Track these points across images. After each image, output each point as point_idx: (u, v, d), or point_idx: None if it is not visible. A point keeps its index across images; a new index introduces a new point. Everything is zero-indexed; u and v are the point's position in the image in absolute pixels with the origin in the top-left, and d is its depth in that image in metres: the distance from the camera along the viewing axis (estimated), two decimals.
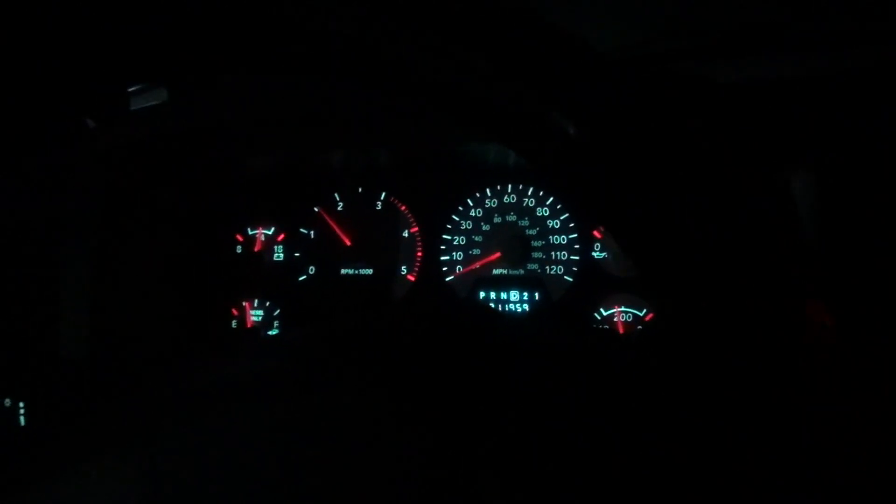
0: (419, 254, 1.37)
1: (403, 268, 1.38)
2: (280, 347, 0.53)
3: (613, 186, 0.36)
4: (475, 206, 1.36)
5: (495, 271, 1.34)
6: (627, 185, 0.36)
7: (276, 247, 1.44)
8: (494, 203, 1.35)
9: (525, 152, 0.37)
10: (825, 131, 0.89)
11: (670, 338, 0.43)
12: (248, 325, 1.41)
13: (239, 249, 1.44)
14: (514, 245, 1.32)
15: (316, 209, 1.42)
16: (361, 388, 0.43)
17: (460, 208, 1.36)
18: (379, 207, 1.40)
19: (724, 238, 0.36)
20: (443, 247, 1.37)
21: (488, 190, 1.35)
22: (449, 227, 1.37)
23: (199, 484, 0.38)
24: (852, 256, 0.81)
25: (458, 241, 1.36)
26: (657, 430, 0.41)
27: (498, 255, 1.33)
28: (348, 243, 1.40)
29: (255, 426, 0.42)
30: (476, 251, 1.35)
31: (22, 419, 1.09)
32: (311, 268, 1.42)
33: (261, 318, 1.41)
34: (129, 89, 0.93)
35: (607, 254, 1.28)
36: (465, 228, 1.36)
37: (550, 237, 1.32)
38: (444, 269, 1.36)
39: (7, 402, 1.10)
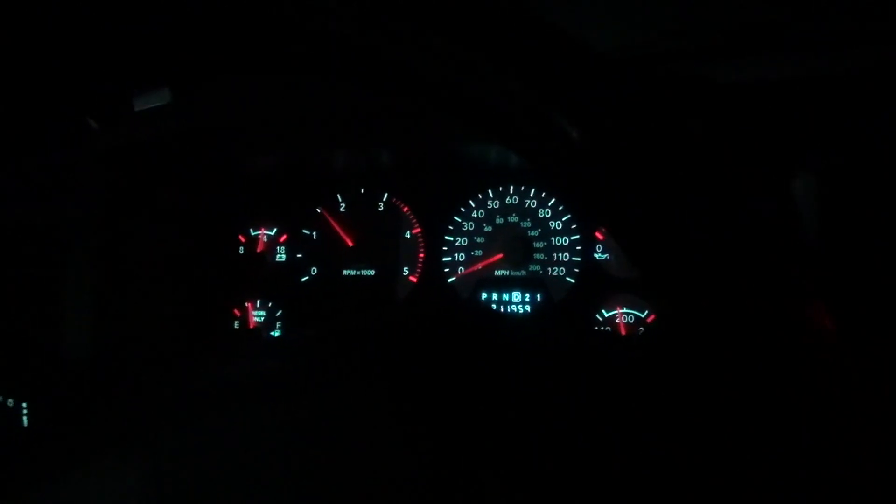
0: (421, 255, 1.38)
1: (405, 269, 1.38)
2: (282, 348, 0.53)
3: (613, 187, 0.36)
4: (477, 208, 1.36)
5: (497, 272, 1.34)
6: (627, 186, 0.36)
7: (278, 247, 1.44)
8: (496, 204, 1.35)
9: (525, 153, 0.37)
10: (826, 132, 0.89)
11: (670, 339, 0.43)
12: (251, 326, 1.42)
13: (241, 250, 1.44)
14: (516, 246, 1.32)
15: (318, 210, 1.42)
16: (363, 390, 0.44)
17: (462, 209, 1.37)
18: (381, 208, 1.40)
19: (724, 239, 0.36)
20: (445, 248, 1.37)
21: (490, 191, 1.36)
22: (451, 228, 1.37)
23: (200, 485, 0.38)
24: (853, 257, 0.81)
25: (460, 243, 1.36)
26: (657, 430, 0.41)
27: (500, 256, 1.33)
28: (350, 244, 1.40)
29: (256, 427, 0.42)
30: (478, 252, 1.35)
31: (25, 420, 1.09)
32: (314, 269, 1.42)
33: (263, 318, 1.41)
34: (132, 90, 0.94)
35: (609, 255, 1.29)
36: (467, 230, 1.36)
37: (552, 238, 1.32)
38: (446, 270, 1.36)
39: (10, 402, 1.10)
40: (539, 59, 0.35)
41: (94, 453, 0.40)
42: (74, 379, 1.14)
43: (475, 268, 1.35)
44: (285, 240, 1.44)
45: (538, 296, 1.31)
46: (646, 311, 1.24)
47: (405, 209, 1.39)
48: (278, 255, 1.44)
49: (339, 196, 1.42)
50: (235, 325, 1.42)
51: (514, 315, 1.31)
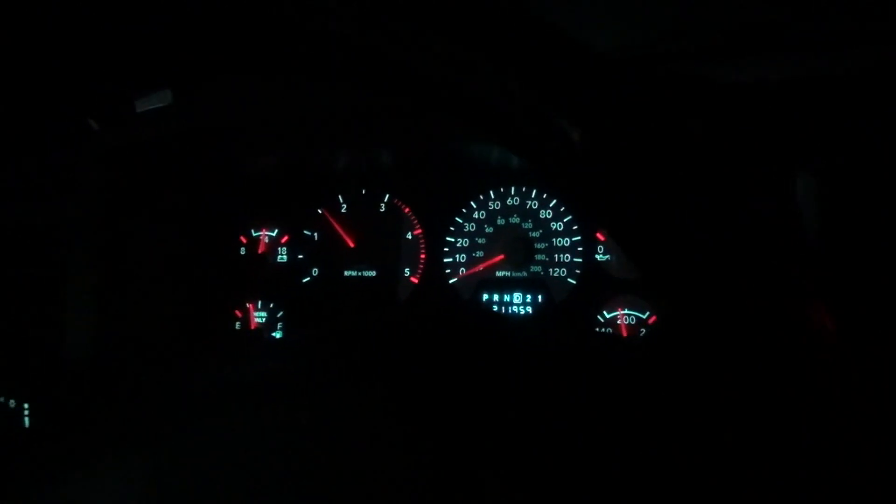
0: (422, 256, 1.38)
1: (407, 270, 1.38)
2: (284, 350, 0.53)
3: (614, 188, 0.36)
4: (478, 209, 1.36)
5: (498, 273, 1.34)
6: (627, 187, 0.36)
7: (279, 248, 1.44)
8: (498, 205, 1.35)
9: (525, 154, 0.37)
10: (826, 133, 0.89)
11: (671, 339, 0.43)
12: (252, 327, 1.42)
13: (242, 251, 1.44)
14: (518, 247, 1.32)
15: (319, 211, 1.42)
16: (363, 391, 0.44)
17: (464, 210, 1.37)
18: (382, 209, 1.40)
19: (724, 239, 0.36)
20: (446, 249, 1.37)
21: (491, 192, 1.36)
22: (452, 229, 1.37)
23: (201, 485, 0.38)
24: (854, 258, 0.81)
25: (461, 244, 1.36)
26: (658, 431, 0.41)
27: (501, 257, 1.33)
28: (352, 245, 1.40)
29: (257, 428, 0.42)
30: (479, 253, 1.35)
31: (26, 420, 1.09)
32: (315, 269, 1.42)
33: (264, 319, 1.41)
34: (134, 92, 0.94)
35: (610, 256, 1.28)
36: (469, 230, 1.36)
37: (554, 239, 1.32)
38: (448, 271, 1.36)
39: (11, 403, 1.10)
40: (539, 59, 0.35)
41: (96, 454, 0.40)
42: (76, 379, 1.14)
43: (476, 269, 1.35)
44: (286, 241, 1.44)
45: (539, 297, 1.31)
46: (647, 312, 1.24)
47: (406, 210, 1.39)
48: (279, 256, 1.44)
49: (340, 197, 1.42)
50: (237, 325, 1.42)
51: (516, 316, 1.31)
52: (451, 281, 1.36)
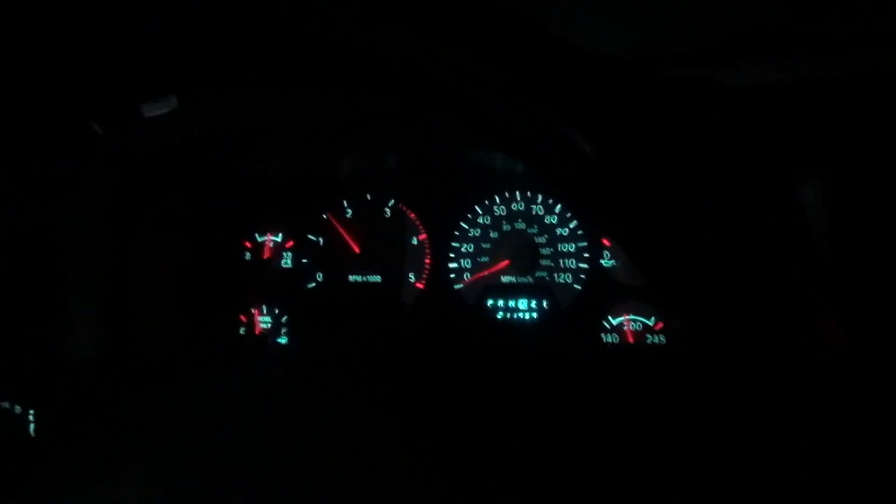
0: (428, 261, 1.37)
1: (412, 275, 1.38)
2: (292, 357, 0.53)
3: (626, 199, 0.36)
4: (484, 214, 1.36)
5: (504, 279, 1.34)
6: (640, 197, 0.36)
7: (284, 253, 1.44)
8: (503, 210, 1.35)
9: (538, 166, 0.37)
10: (835, 136, 0.88)
11: (680, 349, 0.43)
12: (257, 332, 1.41)
13: (247, 256, 1.44)
14: (523, 253, 1.31)
15: (324, 216, 1.42)
16: (369, 398, 0.43)
17: (469, 215, 1.36)
18: (387, 214, 1.40)
19: (733, 246, 0.36)
20: (451, 254, 1.36)
21: (497, 197, 1.35)
22: (458, 234, 1.36)
23: (205, 491, 0.38)
24: (864, 267, 0.80)
25: (466, 249, 1.36)
26: (665, 439, 0.41)
27: (507, 262, 1.33)
28: (357, 250, 1.40)
29: (263, 435, 0.42)
30: (485, 259, 1.35)
31: (32, 426, 1.09)
32: (320, 274, 1.42)
33: (269, 324, 1.41)
34: (140, 97, 0.94)
35: (616, 262, 1.28)
36: (474, 236, 1.36)
37: (559, 245, 1.31)
38: (453, 276, 1.36)
39: (17, 408, 1.10)
40: (552, 74, 0.35)
41: (100, 461, 0.40)
42: (80, 384, 1.13)
43: (482, 274, 1.34)
44: (291, 245, 1.43)
45: (545, 302, 1.30)
46: (653, 319, 1.24)
47: (411, 215, 1.39)
48: (284, 261, 1.43)
49: (345, 202, 1.41)
50: (241, 330, 1.42)
51: (521, 322, 1.31)
52: (456, 286, 1.36)
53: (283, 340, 1.40)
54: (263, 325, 1.41)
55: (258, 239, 1.44)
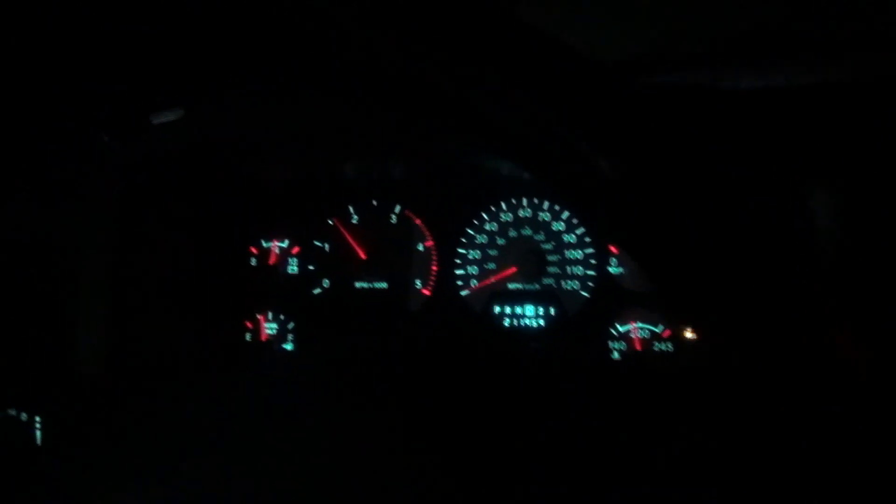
0: (434, 268, 1.37)
1: (418, 282, 1.38)
2: (300, 366, 0.53)
3: (641, 211, 0.35)
4: (490, 220, 1.35)
5: (511, 286, 1.33)
6: (654, 210, 0.36)
7: (290, 259, 1.43)
8: (510, 217, 1.34)
9: (553, 180, 0.37)
10: (844, 142, 0.88)
11: (688, 358, 0.42)
12: (262, 339, 1.41)
13: (253, 262, 1.44)
14: (530, 259, 1.31)
15: (330, 222, 1.41)
16: (377, 406, 0.43)
17: (475, 222, 1.36)
18: (394, 220, 1.40)
19: (741, 255, 0.36)
20: (458, 261, 1.36)
21: (503, 203, 1.35)
22: (464, 240, 1.36)
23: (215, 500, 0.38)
24: (875, 275, 0.80)
25: (473, 256, 1.36)
26: (672, 444, 0.41)
27: (513, 269, 1.32)
28: (363, 256, 1.39)
29: (270, 445, 0.41)
30: (491, 265, 1.35)
31: (38, 434, 1.09)
32: (326, 281, 1.41)
33: (275, 331, 1.41)
34: (148, 107, 0.94)
35: (624, 269, 1.28)
36: (481, 242, 1.35)
37: (566, 252, 1.31)
38: (459, 283, 1.36)
39: (23, 415, 1.10)
40: (567, 90, 0.35)
41: (106, 469, 0.39)
42: (87, 390, 1.13)
43: (488, 281, 1.34)
44: (297, 252, 1.43)
45: (552, 310, 1.30)
46: (661, 326, 1.23)
47: (418, 221, 1.39)
48: (290, 267, 1.43)
49: (351, 208, 1.41)
50: (247, 337, 1.42)
51: (528, 329, 1.30)
52: (462, 293, 1.35)
53: (288, 347, 1.40)
54: (269, 332, 1.41)
55: (264, 245, 1.44)
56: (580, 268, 1.30)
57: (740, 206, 0.37)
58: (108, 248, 1.17)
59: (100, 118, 1.01)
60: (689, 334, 1.19)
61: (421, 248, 1.38)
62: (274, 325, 1.41)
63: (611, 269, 1.28)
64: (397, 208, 1.40)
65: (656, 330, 1.23)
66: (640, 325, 1.24)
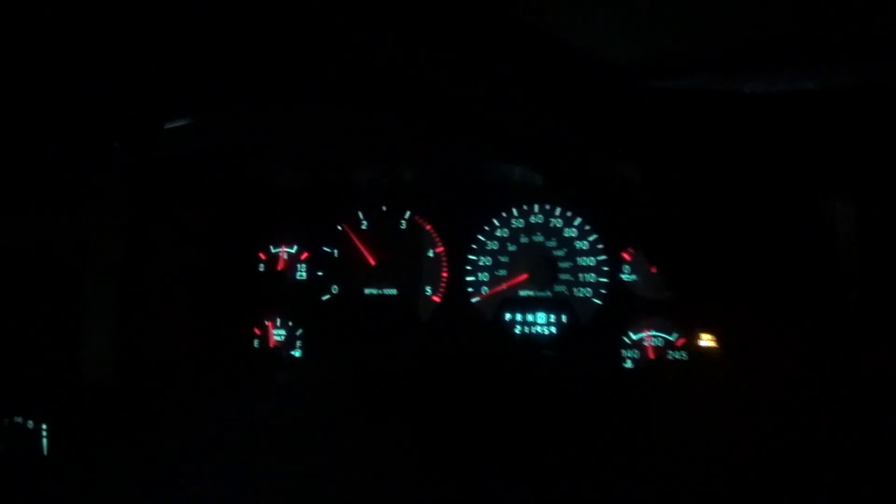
0: (444, 274, 1.36)
1: (428, 288, 1.36)
2: (309, 373, 0.52)
3: (669, 219, 0.34)
4: (501, 226, 1.34)
5: (522, 293, 1.32)
6: (681, 217, 0.35)
7: (299, 265, 1.42)
8: (521, 223, 1.33)
9: (582, 189, 0.35)
10: (865, 150, 0.86)
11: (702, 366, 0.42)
12: (271, 345, 1.40)
13: (262, 268, 1.43)
14: (542, 266, 1.29)
15: (340, 227, 1.40)
16: (387, 416, 0.43)
17: (486, 228, 1.35)
18: (403, 226, 1.39)
19: (762, 263, 0.35)
20: (468, 267, 1.35)
21: (514, 209, 1.34)
22: (474, 247, 1.35)
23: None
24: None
25: (484, 262, 1.34)
26: (685, 453, 0.40)
27: (525, 276, 1.31)
28: (372, 262, 1.38)
29: (279, 456, 0.41)
30: (502, 272, 1.33)
31: (45, 441, 1.09)
32: (335, 287, 1.40)
33: (283, 337, 1.40)
34: (160, 114, 0.94)
35: (637, 276, 1.26)
36: (492, 249, 1.34)
37: (578, 258, 1.29)
38: (470, 289, 1.34)
39: (30, 423, 1.09)
40: (599, 104, 0.34)
41: (112, 477, 0.39)
42: (94, 399, 1.13)
43: (499, 288, 1.33)
44: (306, 257, 1.42)
45: (564, 317, 1.28)
46: (675, 334, 1.21)
47: (428, 227, 1.37)
48: (299, 273, 1.42)
49: (360, 213, 1.40)
50: (255, 343, 1.41)
51: (540, 336, 1.29)
52: (473, 300, 1.34)
53: (297, 353, 1.39)
54: (278, 338, 1.40)
55: (273, 250, 1.43)
56: (592, 275, 1.28)
57: (759, 211, 0.37)
58: (117, 254, 1.17)
59: (110, 124, 1.01)
60: (704, 343, 1.17)
61: (431, 254, 1.37)
62: (282, 332, 1.40)
63: (624, 277, 1.26)
64: (407, 214, 1.38)
65: (670, 338, 1.22)
66: (654, 333, 1.22)
